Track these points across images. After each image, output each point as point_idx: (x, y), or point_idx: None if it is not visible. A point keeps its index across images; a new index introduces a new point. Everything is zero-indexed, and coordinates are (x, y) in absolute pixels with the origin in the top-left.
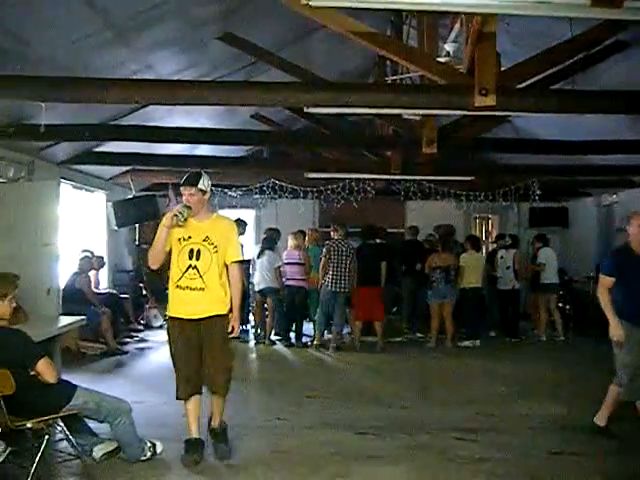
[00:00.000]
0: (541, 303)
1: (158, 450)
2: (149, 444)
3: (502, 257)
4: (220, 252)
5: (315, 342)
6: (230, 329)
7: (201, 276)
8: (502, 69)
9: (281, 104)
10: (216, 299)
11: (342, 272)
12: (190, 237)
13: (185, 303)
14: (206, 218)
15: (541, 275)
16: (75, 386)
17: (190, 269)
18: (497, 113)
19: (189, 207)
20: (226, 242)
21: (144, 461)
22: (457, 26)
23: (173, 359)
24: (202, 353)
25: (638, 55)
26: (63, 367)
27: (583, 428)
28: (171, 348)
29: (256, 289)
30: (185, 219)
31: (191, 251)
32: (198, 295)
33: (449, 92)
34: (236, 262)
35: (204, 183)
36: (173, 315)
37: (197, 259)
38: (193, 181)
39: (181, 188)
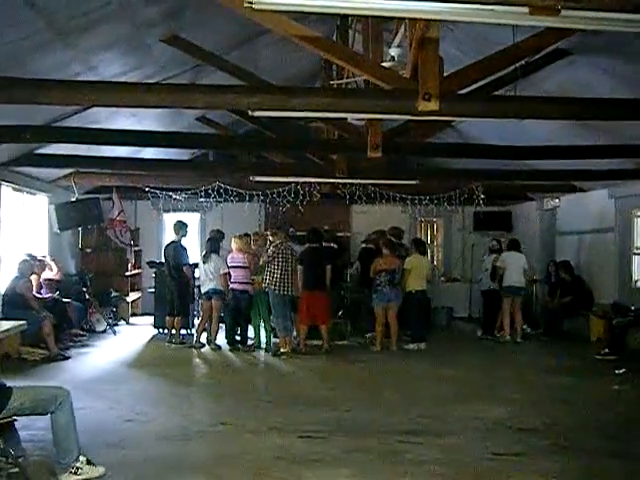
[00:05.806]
0: (505, 305)
1: (95, 474)
2: (84, 458)
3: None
4: None
5: (285, 349)
6: None
7: None
8: (445, 74)
9: (226, 107)
10: None
11: (288, 275)
12: None
13: None
14: None
15: (503, 278)
16: (10, 388)
17: None
18: (440, 118)
19: None
20: None
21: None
22: (401, 31)
23: None
24: None
25: (578, 63)
26: (2, 373)
27: (526, 429)
28: None
29: (202, 291)
30: None
31: None
32: None
33: (393, 97)
34: None
35: None
36: None
37: None
38: None
39: None
